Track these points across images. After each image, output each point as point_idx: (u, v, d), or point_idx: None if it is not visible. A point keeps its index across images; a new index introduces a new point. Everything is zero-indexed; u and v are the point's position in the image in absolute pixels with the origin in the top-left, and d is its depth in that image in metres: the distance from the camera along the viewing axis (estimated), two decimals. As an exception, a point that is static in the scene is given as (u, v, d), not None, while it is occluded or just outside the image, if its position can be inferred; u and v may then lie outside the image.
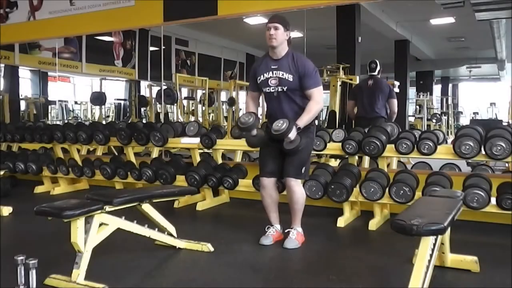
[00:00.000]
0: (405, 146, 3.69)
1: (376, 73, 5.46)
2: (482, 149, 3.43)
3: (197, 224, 3.95)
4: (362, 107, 5.46)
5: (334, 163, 5.17)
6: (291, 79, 3.03)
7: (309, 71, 3.04)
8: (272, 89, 3.08)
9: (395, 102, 5.49)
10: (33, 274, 1.92)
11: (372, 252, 3.06)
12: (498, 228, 3.49)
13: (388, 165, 4.21)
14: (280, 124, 2.91)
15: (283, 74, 3.04)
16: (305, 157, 3.12)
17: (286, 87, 3.04)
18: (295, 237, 3.10)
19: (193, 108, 10.76)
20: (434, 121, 12.69)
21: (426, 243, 2.02)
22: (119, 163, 4.94)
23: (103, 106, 10.05)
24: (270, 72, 3.08)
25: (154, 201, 2.88)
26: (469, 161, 4.57)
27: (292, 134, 2.91)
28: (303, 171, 3.11)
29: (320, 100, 3.08)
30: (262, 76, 3.11)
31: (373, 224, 3.58)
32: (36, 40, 8.23)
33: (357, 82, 7.39)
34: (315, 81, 3.06)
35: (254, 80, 3.21)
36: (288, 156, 3.09)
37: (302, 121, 3.00)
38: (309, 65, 3.06)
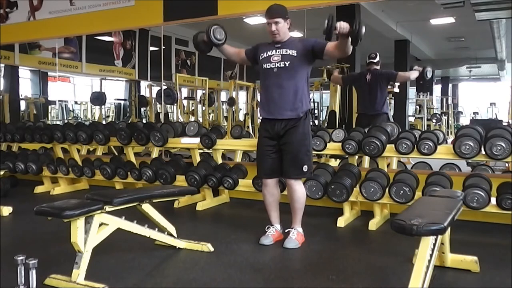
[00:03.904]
0: (405, 146, 3.69)
1: (375, 61, 5.25)
2: (482, 149, 3.43)
3: (197, 224, 3.95)
4: (363, 104, 5.34)
5: (334, 163, 5.16)
6: (295, 54, 3.04)
7: (316, 40, 3.08)
8: (273, 65, 3.07)
9: (400, 74, 5.33)
10: (33, 274, 1.92)
11: (372, 252, 3.06)
12: (498, 228, 3.49)
13: (388, 165, 4.20)
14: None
15: (286, 51, 3.06)
16: (303, 154, 3.08)
17: (288, 62, 3.04)
18: (295, 237, 3.10)
19: (193, 108, 10.74)
20: (434, 121, 12.66)
21: (426, 243, 2.02)
22: (119, 163, 4.94)
23: (103, 106, 10.05)
24: (274, 50, 3.10)
25: (154, 201, 2.88)
26: (469, 161, 4.56)
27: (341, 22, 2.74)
28: (304, 169, 3.09)
29: None
30: (264, 53, 3.13)
31: (373, 224, 3.58)
32: (36, 40, 8.22)
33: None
34: (323, 41, 3.00)
35: (253, 49, 3.24)
36: (285, 155, 3.09)
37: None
38: (312, 38, 3.12)
